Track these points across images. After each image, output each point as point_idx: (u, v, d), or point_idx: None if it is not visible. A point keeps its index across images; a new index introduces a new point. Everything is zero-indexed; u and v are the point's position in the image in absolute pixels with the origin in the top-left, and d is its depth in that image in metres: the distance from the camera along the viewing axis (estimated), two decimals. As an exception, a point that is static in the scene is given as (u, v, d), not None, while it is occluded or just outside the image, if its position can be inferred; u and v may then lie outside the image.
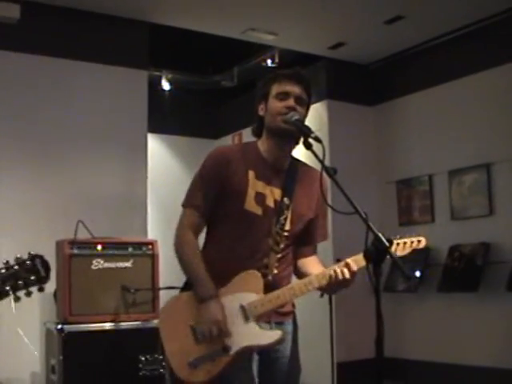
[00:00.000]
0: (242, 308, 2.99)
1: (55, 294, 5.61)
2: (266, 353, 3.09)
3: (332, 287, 3.02)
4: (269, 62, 8.14)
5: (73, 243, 5.31)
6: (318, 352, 6.82)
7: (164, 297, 5.55)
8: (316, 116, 7.94)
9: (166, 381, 5.42)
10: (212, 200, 3.14)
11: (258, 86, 3.32)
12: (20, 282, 2.52)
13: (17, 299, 2.54)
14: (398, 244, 3.13)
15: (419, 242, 3.19)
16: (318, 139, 2.88)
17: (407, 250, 3.16)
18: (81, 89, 6.59)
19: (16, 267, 2.53)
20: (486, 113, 7.14)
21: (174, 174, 8.76)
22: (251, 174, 3.12)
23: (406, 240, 3.15)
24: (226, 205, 3.12)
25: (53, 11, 6.48)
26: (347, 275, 2.95)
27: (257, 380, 3.06)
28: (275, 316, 3.10)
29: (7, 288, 2.51)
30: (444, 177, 7.49)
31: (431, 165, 7.66)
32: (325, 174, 2.92)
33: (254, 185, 3.10)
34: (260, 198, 3.10)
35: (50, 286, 5.45)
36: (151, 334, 5.34)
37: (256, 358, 3.08)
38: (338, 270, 2.96)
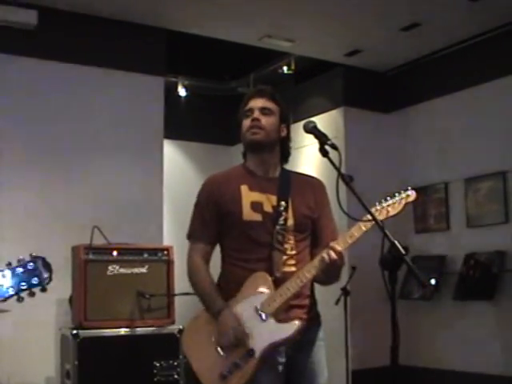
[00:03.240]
0: (256, 309, 3.05)
1: (70, 300, 5.63)
2: (294, 359, 3.15)
3: (324, 272, 3.06)
4: (285, 68, 8.15)
5: (88, 249, 5.33)
6: (333, 359, 6.79)
7: (179, 303, 5.57)
8: (332, 122, 7.95)
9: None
10: (211, 224, 3.28)
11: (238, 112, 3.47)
12: (23, 285, 2.56)
13: (20, 299, 2.58)
14: (388, 205, 3.15)
15: (408, 196, 3.21)
16: (334, 146, 2.92)
17: (399, 208, 3.17)
18: (97, 95, 6.61)
19: (18, 269, 2.57)
20: (502, 120, 7.10)
21: (190, 181, 8.76)
22: (243, 187, 3.25)
23: (395, 199, 3.18)
24: (227, 222, 3.24)
25: (70, 17, 6.51)
26: (334, 256, 3.00)
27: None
28: (287, 312, 3.13)
29: (10, 290, 2.56)
30: (460, 184, 7.46)
31: (447, 172, 7.63)
32: (322, 181, 3.22)
33: (248, 196, 3.22)
34: (257, 205, 3.21)
35: (66, 291, 5.53)
36: (166, 340, 5.37)
37: (283, 361, 3.13)
38: (325, 254, 3.01)
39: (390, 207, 3.14)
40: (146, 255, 5.49)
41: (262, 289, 3.08)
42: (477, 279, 7.04)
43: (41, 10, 6.22)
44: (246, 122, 3.31)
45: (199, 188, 3.39)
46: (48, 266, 2.61)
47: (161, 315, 5.46)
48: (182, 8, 6.65)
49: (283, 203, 3.21)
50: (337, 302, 6.90)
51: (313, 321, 3.27)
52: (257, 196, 3.22)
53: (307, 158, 7.69)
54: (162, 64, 7.09)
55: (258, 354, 2.98)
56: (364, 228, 3.00)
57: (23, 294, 2.57)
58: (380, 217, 3.00)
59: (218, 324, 3.08)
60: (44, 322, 6.01)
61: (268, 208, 3.19)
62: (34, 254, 2.61)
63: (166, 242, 6.68)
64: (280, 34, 7.29)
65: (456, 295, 7.19)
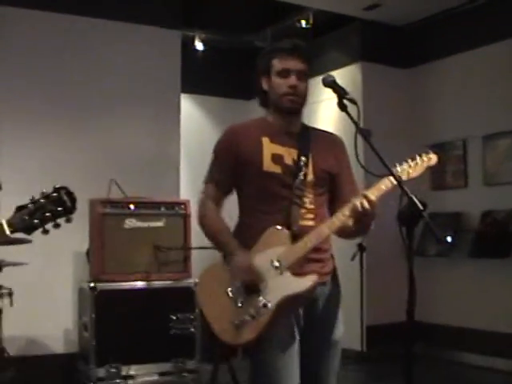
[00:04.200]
0: (272, 262, 3.02)
1: (88, 253, 5.67)
2: (309, 313, 3.13)
3: (355, 222, 3.02)
4: (303, 23, 8.06)
5: (106, 202, 5.36)
6: (348, 314, 6.83)
7: (196, 256, 5.59)
8: (349, 78, 7.88)
9: (197, 339, 5.48)
10: (228, 172, 3.24)
11: (259, 59, 3.37)
12: (47, 214, 2.56)
13: (45, 232, 2.58)
14: (410, 166, 3.11)
15: (430, 158, 3.20)
16: (352, 101, 2.90)
17: (421, 170, 3.15)
18: (114, 49, 6.60)
19: (42, 200, 2.56)
20: (523, 77, 7.04)
21: (207, 135, 8.73)
22: (265, 139, 3.19)
23: (417, 161, 3.16)
24: (246, 172, 3.19)
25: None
26: (366, 205, 2.93)
27: (298, 339, 3.09)
28: (304, 266, 3.09)
29: (35, 221, 2.55)
30: (478, 142, 7.40)
31: (465, 129, 7.56)
32: (341, 138, 3.11)
33: (269, 148, 3.17)
34: (277, 158, 3.16)
35: (83, 244, 5.57)
36: (183, 293, 5.42)
37: (301, 315, 3.12)
38: (357, 203, 2.94)
39: (411, 169, 3.11)
40: (162, 209, 5.52)
41: (279, 242, 3.05)
42: (493, 237, 7.02)
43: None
44: (282, 85, 3.18)
45: (218, 137, 3.33)
46: (71, 195, 2.60)
47: (177, 269, 5.51)
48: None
49: (303, 158, 3.17)
50: (353, 258, 6.93)
51: (329, 275, 3.27)
52: (278, 148, 3.17)
53: (325, 112, 7.65)
54: (178, 18, 7.06)
55: (272, 305, 2.96)
56: (392, 182, 2.93)
57: (48, 226, 2.57)
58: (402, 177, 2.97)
59: (231, 264, 3.07)
60: (62, 274, 6.07)
61: (288, 161, 3.15)
62: (57, 186, 2.61)
63: (183, 196, 6.71)
64: (298, -12, 7.22)
65: (472, 253, 7.18)
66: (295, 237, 3.07)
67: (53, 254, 5.93)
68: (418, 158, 3.18)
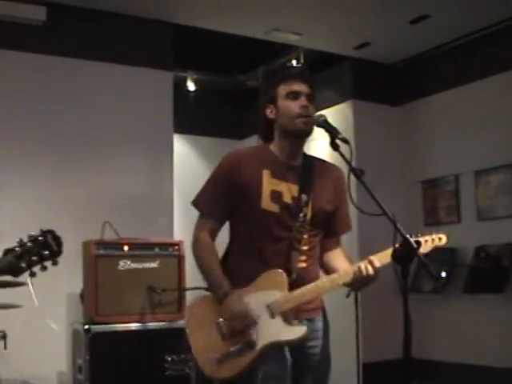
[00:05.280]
0: (267, 305, 3.00)
1: (82, 295, 5.65)
2: (297, 349, 3.09)
3: (356, 284, 3.04)
4: (294, 62, 8.12)
5: (99, 244, 5.34)
6: (344, 352, 6.80)
7: (190, 297, 5.57)
8: (341, 116, 7.93)
9: (192, 380, 5.44)
10: (224, 202, 3.19)
11: (262, 89, 3.34)
12: (34, 258, 2.59)
13: (32, 274, 2.61)
14: (426, 241, 3.12)
15: (440, 239, 3.19)
16: (345, 140, 2.91)
17: (429, 248, 3.15)
18: (107, 90, 6.63)
19: (29, 244, 2.59)
20: (512, 112, 7.09)
21: (199, 175, 8.61)
22: (266, 172, 3.14)
23: (426, 238, 3.14)
24: (243, 206, 3.15)
25: (78, 13, 6.51)
26: (371, 272, 2.97)
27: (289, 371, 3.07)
28: (304, 313, 3.11)
29: (23, 264, 2.58)
30: (470, 177, 7.44)
31: (457, 165, 7.60)
32: (342, 170, 3.04)
33: (269, 183, 3.12)
34: (276, 195, 3.11)
35: (77, 286, 5.54)
36: (177, 335, 5.36)
37: (288, 357, 3.08)
38: (362, 267, 2.97)
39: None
40: (156, 250, 5.50)
41: (276, 286, 3.03)
42: (487, 272, 7.02)
43: (50, 6, 6.23)
44: (294, 107, 3.13)
45: (219, 161, 3.27)
46: (57, 240, 2.64)
47: (172, 310, 5.48)
48: (190, 2, 6.64)
49: (304, 196, 3.12)
50: (348, 295, 6.89)
51: (317, 311, 3.25)
52: (277, 184, 3.12)
53: (317, 152, 7.65)
54: (170, 59, 7.09)
55: (258, 347, 2.94)
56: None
57: (35, 269, 2.60)
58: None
59: (223, 307, 3.02)
60: (55, 316, 6.03)
61: (287, 199, 3.11)
62: (44, 229, 2.65)
63: (176, 236, 6.70)
64: (288, 28, 7.27)
65: (466, 288, 7.17)
66: (293, 282, 3.05)
67: (46, 296, 5.88)
68: (428, 236, 3.14)
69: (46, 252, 2.60)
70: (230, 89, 9.10)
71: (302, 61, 8.05)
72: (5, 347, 4.98)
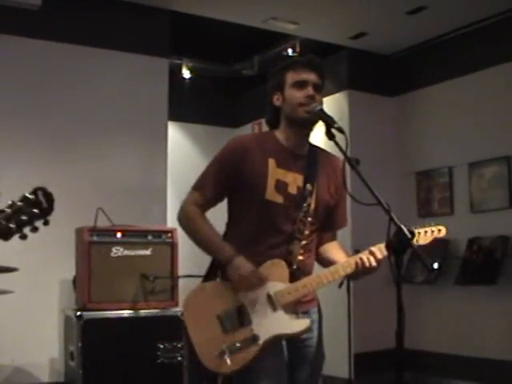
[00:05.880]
0: (269, 297, 2.98)
1: (74, 281, 5.64)
2: (293, 341, 3.09)
3: (357, 274, 3.07)
4: (290, 51, 8.09)
5: (92, 231, 5.33)
6: (336, 342, 6.82)
7: (183, 285, 5.57)
8: (336, 106, 7.92)
9: (184, 368, 5.43)
10: (222, 186, 3.15)
11: (270, 74, 3.30)
12: (24, 218, 2.42)
13: (23, 237, 2.43)
14: (419, 233, 3.14)
15: (439, 230, 3.20)
16: (341, 130, 2.89)
17: (428, 239, 3.17)
18: (101, 76, 6.60)
19: (20, 203, 2.44)
20: (507, 105, 7.09)
21: (193, 163, 8.73)
22: (271, 162, 3.10)
23: (426, 229, 3.16)
24: (247, 194, 3.11)
25: (74, -2, 6.49)
26: (374, 263, 3.00)
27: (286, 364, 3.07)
28: (300, 305, 3.10)
29: (12, 225, 2.40)
30: (464, 169, 7.45)
31: (451, 157, 7.61)
32: (342, 161, 2.95)
33: (275, 173, 3.08)
34: (281, 185, 3.08)
35: (69, 272, 5.54)
36: (170, 322, 5.38)
37: (285, 348, 3.08)
38: (365, 258, 2.99)
39: (420, 236, 3.15)
40: (150, 237, 5.49)
41: (278, 277, 3.01)
42: (480, 264, 7.04)
43: (45, -9, 6.19)
44: (299, 96, 3.10)
45: (224, 144, 3.22)
46: (48, 196, 2.48)
47: (164, 297, 5.47)
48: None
49: (309, 186, 3.10)
50: (340, 285, 6.90)
51: (313, 302, 3.25)
52: (282, 174, 3.08)
53: (312, 140, 7.67)
54: (166, 46, 7.06)
55: (261, 341, 2.93)
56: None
57: (26, 230, 2.42)
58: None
59: (232, 269, 2.98)
60: (47, 302, 6.02)
61: (292, 189, 3.08)
62: (35, 186, 2.48)
63: (170, 224, 6.68)
64: (285, 17, 7.26)
65: (459, 280, 7.19)
66: (293, 274, 3.04)
67: (39, 282, 5.89)
68: (428, 227, 3.17)
69: (36, 210, 2.44)
70: (225, 77, 9.07)
71: (297, 50, 8.04)
72: (-4, 333, 4.99)
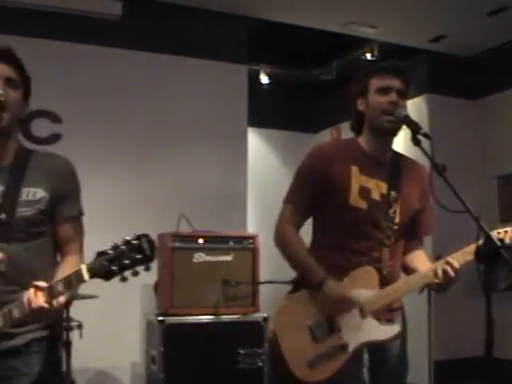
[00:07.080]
0: (359, 304, 2.98)
1: (156, 286, 5.70)
2: (377, 351, 3.07)
3: (437, 285, 3.01)
4: (368, 55, 8.05)
5: (175, 236, 5.39)
6: (415, 349, 6.73)
7: (264, 291, 5.59)
8: (415, 110, 7.82)
9: (264, 374, 5.44)
10: (310, 196, 3.16)
11: (355, 80, 3.27)
12: (126, 262, 2.46)
13: (123, 279, 2.48)
14: (505, 232, 3.08)
15: None
16: (427, 135, 2.85)
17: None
18: (181, 84, 6.66)
19: (123, 247, 2.47)
20: None
21: (273, 169, 8.79)
22: (354, 169, 3.09)
23: (507, 229, 3.10)
24: (331, 201, 3.11)
25: (153, 7, 6.56)
26: (452, 273, 2.93)
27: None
28: (385, 313, 3.08)
29: (114, 268, 2.46)
30: (549, 173, 7.29)
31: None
32: (426, 169, 2.96)
33: (358, 179, 3.08)
34: (365, 191, 3.07)
35: (151, 278, 5.60)
36: (251, 328, 5.40)
37: (366, 357, 3.06)
38: (439, 270, 2.95)
39: (506, 234, 3.07)
40: (231, 243, 5.52)
41: (369, 284, 3.01)
42: None
43: (125, 1, 6.29)
44: (382, 101, 3.08)
45: (306, 154, 3.22)
46: (151, 243, 2.49)
47: (246, 303, 5.49)
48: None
49: (394, 193, 3.10)
50: (421, 291, 6.82)
51: (398, 311, 3.23)
52: (365, 181, 3.08)
53: (395, 147, 7.61)
54: (244, 52, 7.10)
55: (350, 348, 2.93)
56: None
57: (127, 273, 2.48)
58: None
59: (322, 292, 2.98)
60: (129, 307, 6.10)
61: (376, 196, 3.08)
62: (138, 233, 2.49)
63: (250, 230, 6.71)
64: (364, 21, 7.22)
65: (545, 286, 7.02)
66: (383, 280, 3.04)
67: (121, 287, 5.96)
68: (509, 227, 3.11)
69: (139, 256, 2.47)
70: (303, 82, 9.07)
71: (376, 54, 7.99)
72: (80, 337, 5.07)
